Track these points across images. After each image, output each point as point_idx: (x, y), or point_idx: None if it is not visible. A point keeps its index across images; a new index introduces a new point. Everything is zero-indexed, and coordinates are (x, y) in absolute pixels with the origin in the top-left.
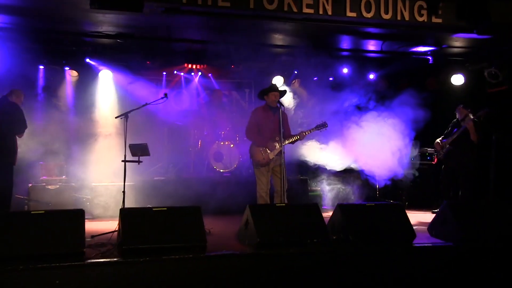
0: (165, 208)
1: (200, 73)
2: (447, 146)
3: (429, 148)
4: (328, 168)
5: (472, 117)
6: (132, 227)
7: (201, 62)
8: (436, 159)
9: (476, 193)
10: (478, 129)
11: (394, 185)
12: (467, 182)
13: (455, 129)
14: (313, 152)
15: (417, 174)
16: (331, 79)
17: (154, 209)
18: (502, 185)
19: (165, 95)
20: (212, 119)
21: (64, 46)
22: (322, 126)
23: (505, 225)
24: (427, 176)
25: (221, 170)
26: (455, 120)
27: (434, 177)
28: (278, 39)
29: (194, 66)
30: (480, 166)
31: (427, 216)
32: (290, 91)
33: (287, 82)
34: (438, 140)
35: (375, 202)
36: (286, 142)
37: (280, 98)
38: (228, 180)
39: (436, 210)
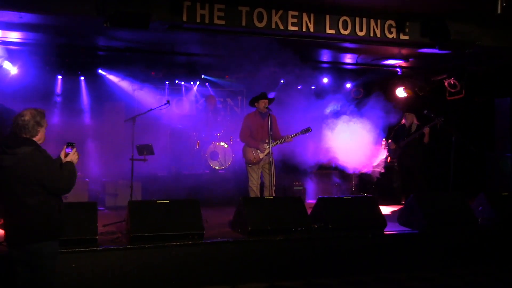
0: (168, 201)
1: (198, 83)
2: (400, 147)
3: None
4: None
5: (428, 125)
6: (139, 217)
7: (199, 72)
8: (389, 158)
9: (438, 187)
10: (432, 134)
11: (368, 181)
12: (422, 177)
13: (405, 133)
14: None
15: (383, 171)
16: (313, 87)
17: (158, 201)
18: (460, 179)
19: (168, 101)
20: (209, 122)
21: (79, 58)
22: (307, 130)
23: (462, 213)
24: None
25: (217, 168)
26: (401, 125)
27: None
28: (270, 52)
29: (194, 76)
30: (441, 163)
31: (396, 208)
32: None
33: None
34: (391, 141)
35: (352, 195)
36: (275, 143)
37: (268, 104)
38: (223, 176)
39: (403, 203)
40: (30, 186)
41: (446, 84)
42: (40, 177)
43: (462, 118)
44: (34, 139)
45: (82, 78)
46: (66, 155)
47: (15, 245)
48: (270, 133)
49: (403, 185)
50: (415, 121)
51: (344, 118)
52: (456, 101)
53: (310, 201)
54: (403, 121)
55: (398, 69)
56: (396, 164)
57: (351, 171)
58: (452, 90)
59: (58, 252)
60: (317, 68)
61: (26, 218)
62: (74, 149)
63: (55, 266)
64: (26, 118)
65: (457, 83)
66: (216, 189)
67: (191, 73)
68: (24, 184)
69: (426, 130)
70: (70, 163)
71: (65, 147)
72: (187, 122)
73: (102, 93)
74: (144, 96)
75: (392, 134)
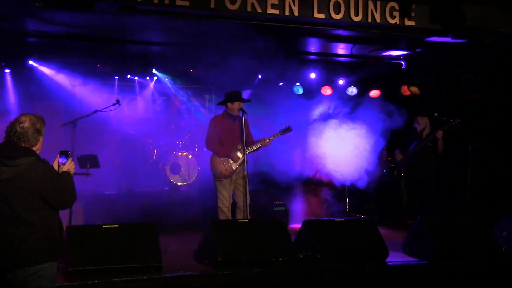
0: (117, 226)
1: (156, 78)
2: (411, 156)
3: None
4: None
5: (441, 128)
6: (79, 247)
7: (157, 65)
8: (396, 171)
9: (452, 206)
10: (447, 140)
11: (366, 199)
12: (434, 195)
13: (417, 141)
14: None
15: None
16: (298, 84)
17: (104, 226)
18: (479, 198)
19: (117, 101)
20: (169, 128)
21: (3, 46)
22: (287, 130)
23: (482, 239)
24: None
25: (179, 183)
26: (414, 130)
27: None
28: (243, 41)
29: (149, 70)
30: (455, 178)
31: (400, 233)
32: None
33: (250, 86)
34: (399, 150)
35: (346, 218)
36: (249, 150)
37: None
38: (186, 194)
39: (410, 225)
40: (31, 200)
41: (461, 80)
42: (43, 191)
43: (481, 123)
44: (34, 148)
45: (8, 70)
46: (60, 166)
47: (12, 267)
48: (243, 137)
49: (411, 204)
50: (429, 126)
51: (336, 121)
52: (473, 102)
53: (294, 225)
54: (417, 126)
55: (403, 62)
56: (403, 178)
57: (344, 187)
58: (469, 88)
59: (56, 274)
60: (303, 60)
61: (26, 236)
62: (70, 159)
63: None
64: (25, 125)
65: (475, 80)
66: (178, 210)
67: (147, 67)
68: (25, 198)
69: (440, 134)
70: (68, 173)
71: (58, 156)
72: (141, 127)
73: (33, 89)
74: (88, 94)
75: (401, 142)
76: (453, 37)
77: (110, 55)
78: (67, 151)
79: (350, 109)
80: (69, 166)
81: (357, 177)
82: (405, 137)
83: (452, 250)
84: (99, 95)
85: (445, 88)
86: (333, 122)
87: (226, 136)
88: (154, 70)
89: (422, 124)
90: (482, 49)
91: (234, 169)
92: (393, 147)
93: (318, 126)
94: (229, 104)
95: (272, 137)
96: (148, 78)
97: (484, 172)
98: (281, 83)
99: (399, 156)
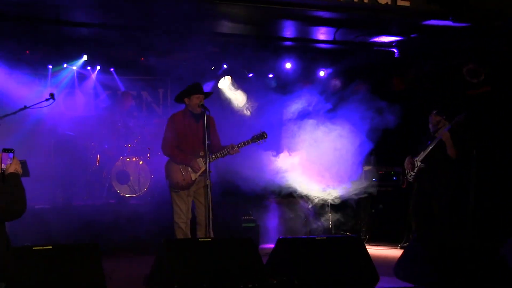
0: (50, 247)
1: (99, 68)
2: (419, 164)
3: (395, 166)
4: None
5: (448, 125)
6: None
7: (100, 52)
8: (406, 182)
9: (452, 224)
10: (456, 141)
11: (353, 214)
12: (443, 209)
13: (429, 142)
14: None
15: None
16: (270, 75)
17: (34, 248)
18: (485, 213)
19: (51, 95)
20: (115, 128)
21: None
22: (261, 137)
23: (489, 261)
24: (392, 202)
25: (127, 195)
26: (429, 131)
27: (401, 203)
28: (203, 25)
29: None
30: (456, 189)
31: (394, 253)
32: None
33: (214, 78)
34: (409, 157)
35: (328, 236)
36: (214, 158)
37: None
38: (136, 208)
39: (404, 245)
40: None
41: (464, 72)
42: None
43: (487, 122)
44: None
45: None
46: (6, 167)
47: None
48: (207, 142)
49: (412, 219)
50: (446, 125)
51: (316, 120)
52: (477, 97)
53: (267, 245)
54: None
55: (395, 50)
56: (414, 189)
57: (326, 199)
58: (473, 81)
59: None
60: (277, 48)
61: None
62: (15, 157)
63: None
64: None
65: (480, 71)
66: (126, 227)
67: (88, 54)
68: None
69: (445, 136)
70: (15, 175)
71: (0, 155)
72: (81, 127)
73: None
74: (14, 86)
75: (419, 145)
76: (454, 21)
77: (41, 39)
78: (11, 149)
79: (333, 105)
80: (16, 166)
81: (340, 186)
82: (421, 140)
83: (455, 274)
84: (28, 88)
85: (444, 81)
86: (314, 121)
87: (186, 139)
88: (85, 57)
89: (434, 122)
90: (488, 35)
91: (193, 179)
92: (387, 151)
93: (297, 125)
94: (186, 100)
95: (242, 144)
96: (89, 68)
97: (491, 180)
98: (250, 75)
99: (407, 164)
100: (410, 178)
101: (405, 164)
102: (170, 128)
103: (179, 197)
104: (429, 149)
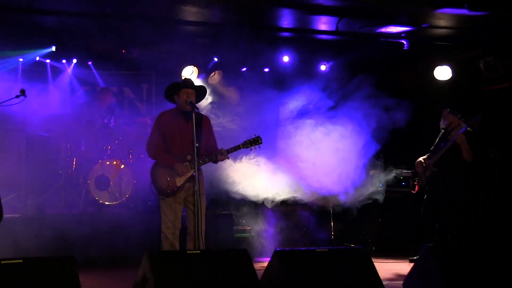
0: (21, 260)
1: (75, 61)
2: (431, 167)
3: (404, 170)
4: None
5: (463, 127)
6: None
7: (76, 44)
8: (417, 186)
9: (469, 232)
10: (473, 144)
11: (357, 223)
12: (457, 217)
13: (442, 144)
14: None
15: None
16: (266, 70)
17: (3, 262)
18: (504, 220)
19: (22, 92)
20: (94, 128)
21: None
22: (254, 142)
23: (507, 276)
24: (401, 209)
25: (107, 203)
26: (443, 130)
27: (411, 211)
28: (191, 12)
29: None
30: (473, 194)
31: (403, 267)
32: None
33: (203, 74)
34: (421, 158)
35: (330, 247)
36: (202, 162)
37: (199, 97)
38: (117, 216)
39: (414, 258)
40: None
41: (481, 66)
42: None
43: (507, 123)
44: None
45: None
46: None
47: None
48: (195, 144)
49: (424, 228)
50: (462, 125)
51: (316, 119)
52: (497, 94)
53: (262, 259)
54: (442, 123)
55: (404, 42)
56: (426, 195)
57: (328, 206)
58: (491, 76)
59: None
60: (273, 39)
61: None
62: None
63: None
64: None
65: (498, 65)
66: (106, 238)
67: (63, 45)
68: None
69: (460, 139)
70: None
71: None
72: (56, 127)
73: None
74: None
75: (432, 147)
76: (470, 9)
77: (11, 29)
78: None
79: (336, 103)
80: None
81: (343, 192)
82: (433, 140)
83: None
84: None
85: (459, 76)
86: (314, 120)
87: (173, 140)
88: (53, 48)
89: (447, 122)
90: (508, 24)
91: (178, 185)
92: (394, 152)
93: (295, 125)
94: (175, 97)
95: (232, 149)
96: (64, 61)
97: (510, 186)
98: (244, 69)
99: (420, 166)
100: (421, 183)
101: (415, 167)
102: (155, 127)
103: (166, 204)
104: (443, 152)
